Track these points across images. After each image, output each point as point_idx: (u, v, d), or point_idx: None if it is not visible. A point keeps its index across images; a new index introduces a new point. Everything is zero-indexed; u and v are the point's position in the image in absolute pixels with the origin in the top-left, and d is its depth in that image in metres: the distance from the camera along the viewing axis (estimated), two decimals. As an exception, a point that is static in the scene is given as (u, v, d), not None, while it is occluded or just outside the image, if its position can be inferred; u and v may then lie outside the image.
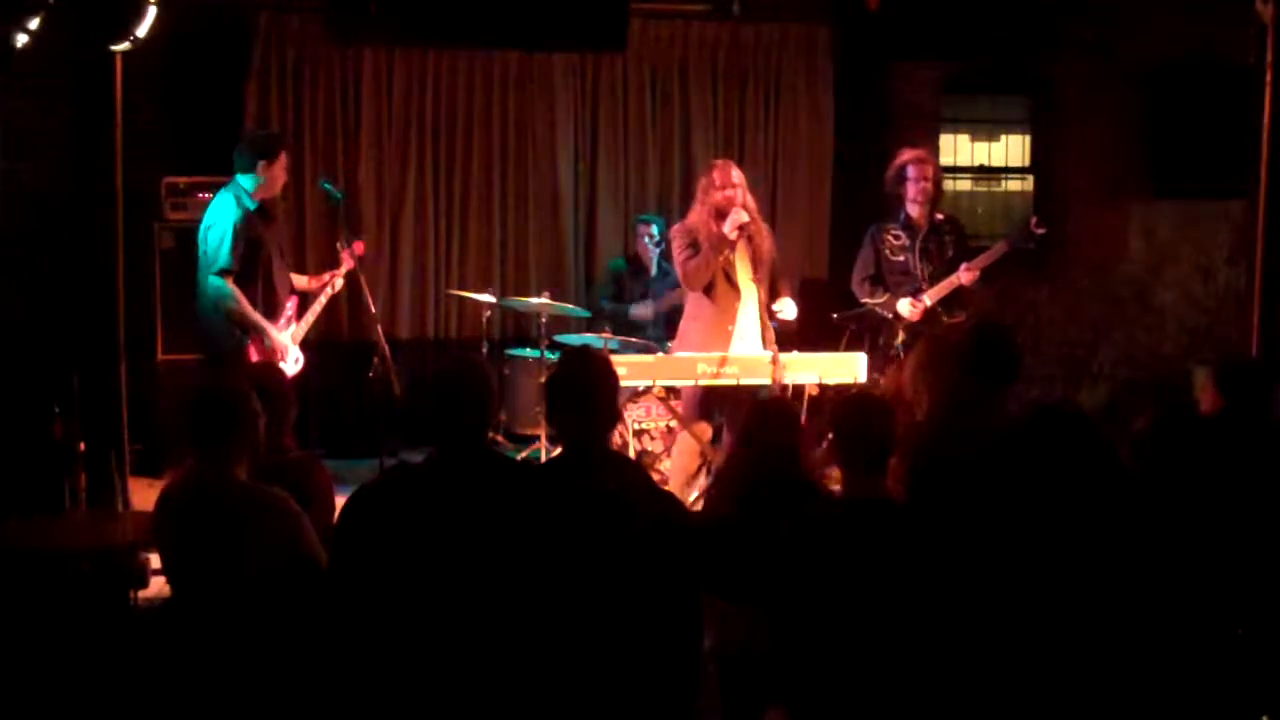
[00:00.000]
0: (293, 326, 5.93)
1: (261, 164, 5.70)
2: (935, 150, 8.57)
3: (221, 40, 7.40)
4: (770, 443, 3.67)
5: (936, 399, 3.99)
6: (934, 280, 6.15)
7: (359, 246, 6.22)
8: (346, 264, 6.06)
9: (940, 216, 6.32)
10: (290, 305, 5.97)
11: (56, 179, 7.10)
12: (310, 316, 6.04)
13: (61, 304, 6.90)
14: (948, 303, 6.15)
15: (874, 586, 2.95)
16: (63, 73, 6.89)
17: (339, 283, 6.10)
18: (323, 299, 6.06)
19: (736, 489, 3.67)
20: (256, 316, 5.66)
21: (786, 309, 5.83)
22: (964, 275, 6.09)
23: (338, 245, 6.16)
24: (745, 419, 3.93)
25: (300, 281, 6.13)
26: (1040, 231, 6.15)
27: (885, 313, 6.21)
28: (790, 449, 3.67)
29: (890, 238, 6.26)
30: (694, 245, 5.75)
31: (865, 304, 6.31)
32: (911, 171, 6.22)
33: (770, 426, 3.73)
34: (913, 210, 6.23)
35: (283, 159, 5.82)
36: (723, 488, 3.89)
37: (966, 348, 3.94)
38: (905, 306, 6.14)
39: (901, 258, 6.24)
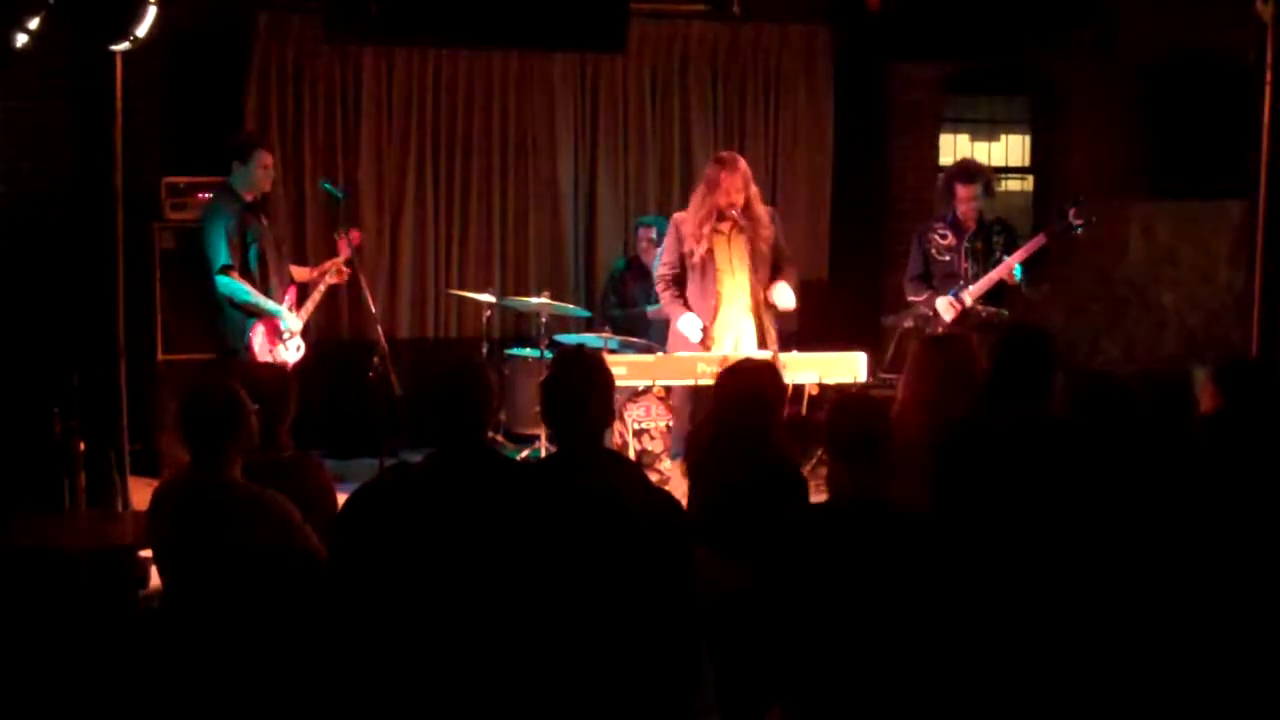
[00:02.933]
0: (293, 315, 6.11)
1: (236, 164, 5.99)
2: (935, 150, 8.61)
3: (221, 40, 7.40)
4: (740, 397, 3.66)
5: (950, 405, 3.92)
6: (978, 280, 6.19)
7: (355, 235, 6.34)
8: (344, 252, 6.18)
9: (991, 217, 6.37)
10: (289, 296, 6.18)
11: (56, 179, 7.10)
12: (310, 305, 6.22)
13: (61, 303, 6.90)
14: (994, 301, 6.18)
15: (871, 588, 2.95)
16: (63, 73, 6.90)
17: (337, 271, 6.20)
18: (321, 288, 6.22)
19: (710, 451, 3.65)
20: (268, 302, 5.95)
21: (782, 295, 5.78)
22: (1001, 270, 6.11)
23: (335, 235, 6.32)
24: (718, 379, 3.90)
25: (300, 273, 6.35)
26: (1080, 222, 6.16)
27: (926, 311, 6.28)
28: (761, 405, 3.66)
29: (937, 237, 6.32)
30: (676, 264, 5.85)
31: (910, 303, 6.39)
32: (961, 191, 6.29)
33: (739, 382, 3.72)
34: (960, 210, 6.28)
35: (260, 157, 6.00)
36: (697, 453, 3.87)
37: (992, 363, 3.88)
38: (943, 305, 6.19)
39: (947, 257, 6.29)
